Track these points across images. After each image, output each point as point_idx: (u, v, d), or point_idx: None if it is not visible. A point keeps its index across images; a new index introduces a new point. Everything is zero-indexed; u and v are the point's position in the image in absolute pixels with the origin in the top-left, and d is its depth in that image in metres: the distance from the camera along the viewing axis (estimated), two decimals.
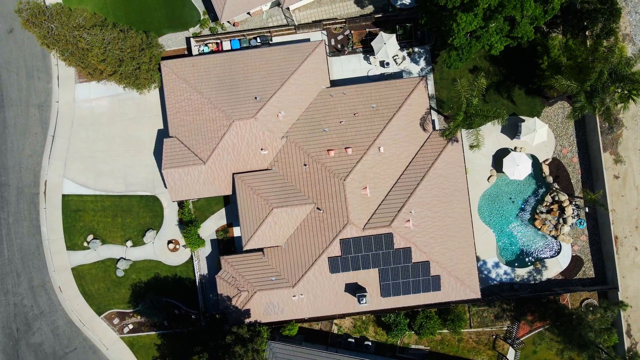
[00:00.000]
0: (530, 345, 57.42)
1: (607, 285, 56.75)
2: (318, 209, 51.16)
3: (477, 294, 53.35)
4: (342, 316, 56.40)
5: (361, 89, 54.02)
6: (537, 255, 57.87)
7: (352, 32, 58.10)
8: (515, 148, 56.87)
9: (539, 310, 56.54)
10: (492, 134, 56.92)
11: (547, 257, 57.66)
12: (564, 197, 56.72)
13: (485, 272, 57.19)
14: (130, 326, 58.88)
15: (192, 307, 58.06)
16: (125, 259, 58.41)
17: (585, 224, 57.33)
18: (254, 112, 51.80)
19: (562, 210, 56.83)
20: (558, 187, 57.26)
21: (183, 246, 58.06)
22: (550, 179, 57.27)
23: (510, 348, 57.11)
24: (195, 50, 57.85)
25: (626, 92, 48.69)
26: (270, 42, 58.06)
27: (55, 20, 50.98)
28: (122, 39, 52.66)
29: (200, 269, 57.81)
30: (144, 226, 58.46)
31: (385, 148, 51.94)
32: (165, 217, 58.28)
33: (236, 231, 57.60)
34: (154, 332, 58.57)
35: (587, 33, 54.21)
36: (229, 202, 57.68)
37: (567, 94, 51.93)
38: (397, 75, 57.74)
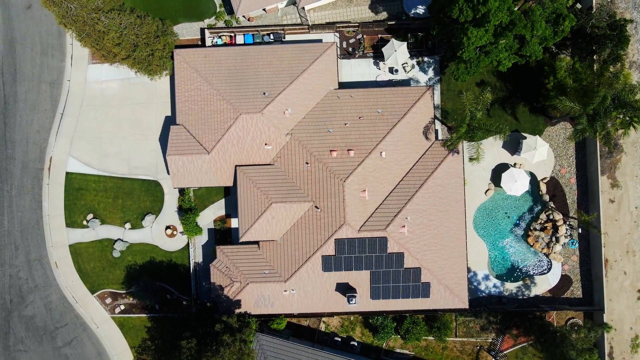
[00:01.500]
0: (513, 359, 58.22)
1: (594, 306, 57.47)
2: (316, 207, 51.92)
3: (465, 304, 54.11)
4: (331, 314, 57.16)
5: (368, 93, 54.74)
6: (527, 271, 58.58)
7: (364, 36, 58.82)
8: (515, 164, 57.60)
9: (525, 325, 57.29)
10: (493, 148, 57.65)
11: (537, 274, 58.38)
12: (558, 216, 57.45)
13: (475, 284, 57.95)
14: (122, 307, 59.62)
15: (184, 293, 58.82)
16: (122, 240, 59.17)
17: (577, 245, 58.07)
18: (262, 107, 52.57)
19: (555, 229, 57.55)
20: (553, 206, 58.02)
21: (180, 233, 58.80)
22: (546, 198, 58.00)
23: None
24: (208, 42, 58.60)
25: (627, 118, 49.36)
26: (283, 39, 58.79)
27: (74, 1, 51.66)
28: (139, 24, 53.43)
29: (196, 256, 58.56)
30: (143, 210, 59.22)
31: (387, 153, 52.68)
32: (166, 202, 59.04)
33: (234, 222, 58.37)
34: (145, 315, 59.32)
35: (594, 57, 54.81)
36: (229, 194, 58.41)
37: (570, 116, 52.61)
38: (405, 83, 58.48)
